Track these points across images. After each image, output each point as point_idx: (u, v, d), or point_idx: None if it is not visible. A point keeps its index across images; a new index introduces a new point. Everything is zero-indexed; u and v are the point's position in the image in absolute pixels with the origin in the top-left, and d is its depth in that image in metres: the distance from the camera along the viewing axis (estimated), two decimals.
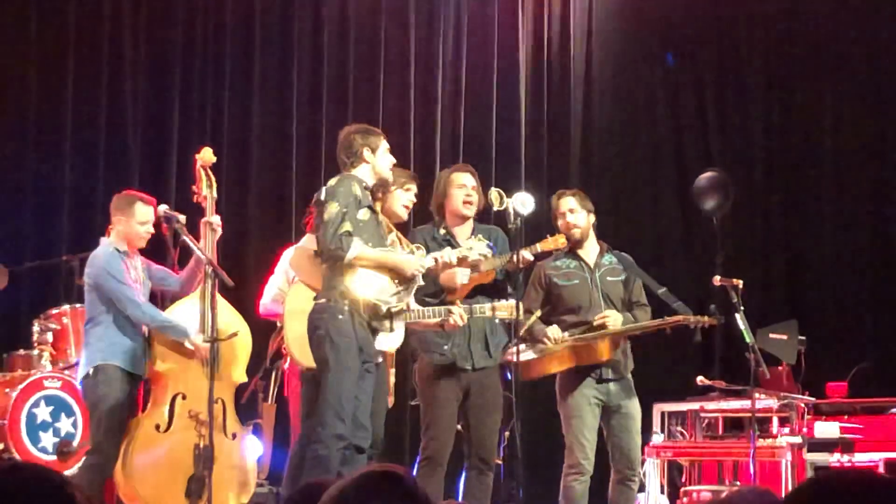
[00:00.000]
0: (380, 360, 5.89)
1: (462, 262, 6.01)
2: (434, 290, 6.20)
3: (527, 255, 6.19)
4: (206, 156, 6.63)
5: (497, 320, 6.23)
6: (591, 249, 6.58)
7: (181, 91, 9.23)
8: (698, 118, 10.12)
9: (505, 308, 6.02)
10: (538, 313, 6.44)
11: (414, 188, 6.34)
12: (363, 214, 5.69)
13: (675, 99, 10.14)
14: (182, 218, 6.46)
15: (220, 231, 6.58)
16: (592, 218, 6.59)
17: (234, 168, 9.32)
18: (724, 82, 10.18)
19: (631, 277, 6.55)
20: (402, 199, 6.26)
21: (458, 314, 5.95)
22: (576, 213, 6.51)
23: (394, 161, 6.01)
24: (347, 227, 5.61)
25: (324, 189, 5.79)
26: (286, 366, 6.77)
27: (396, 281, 5.77)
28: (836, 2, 9.97)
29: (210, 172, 6.61)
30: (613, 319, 6.34)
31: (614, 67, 10.17)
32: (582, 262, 6.52)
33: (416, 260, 5.84)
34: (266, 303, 6.64)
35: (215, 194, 6.60)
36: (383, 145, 5.92)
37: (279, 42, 9.58)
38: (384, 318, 5.70)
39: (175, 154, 9.09)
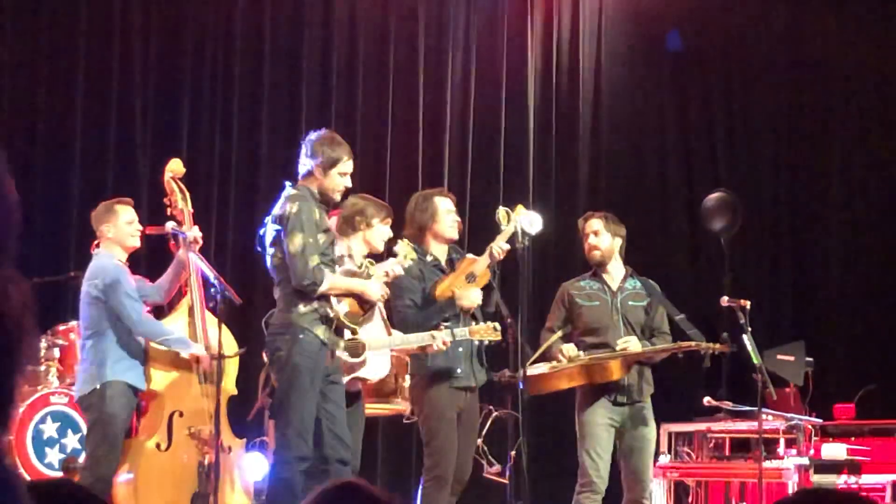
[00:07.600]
0: (345, 381, 5.89)
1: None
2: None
3: (503, 244, 6.17)
4: (177, 167, 6.50)
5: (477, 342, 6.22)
6: (615, 273, 6.57)
7: (190, 108, 9.24)
8: (707, 139, 10.12)
9: (482, 331, 6.01)
10: (559, 333, 6.44)
11: (390, 221, 6.32)
12: (320, 238, 5.65)
13: (684, 119, 10.15)
14: (191, 235, 6.44)
15: (200, 242, 6.47)
16: (619, 242, 6.57)
17: (244, 181, 9.33)
18: (733, 103, 10.19)
19: (654, 304, 6.55)
20: (383, 233, 6.24)
21: (440, 339, 5.94)
22: (600, 235, 6.50)
23: (348, 185, 5.87)
24: (317, 259, 5.56)
25: (284, 214, 5.64)
26: None
27: (357, 305, 5.82)
28: (845, 22, 9.98)
29: (181, 184, 6.47)
30: (633, 345, 6.33)
31: (623, 87, 10.18)
32: (605, 285, 6.53)
33: (377, 287, 5.83)
34: None
35: (191, 207, 6.48)
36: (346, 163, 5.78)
37: (288, 58, 9.59)
38: (340, 333, 5.70)
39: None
